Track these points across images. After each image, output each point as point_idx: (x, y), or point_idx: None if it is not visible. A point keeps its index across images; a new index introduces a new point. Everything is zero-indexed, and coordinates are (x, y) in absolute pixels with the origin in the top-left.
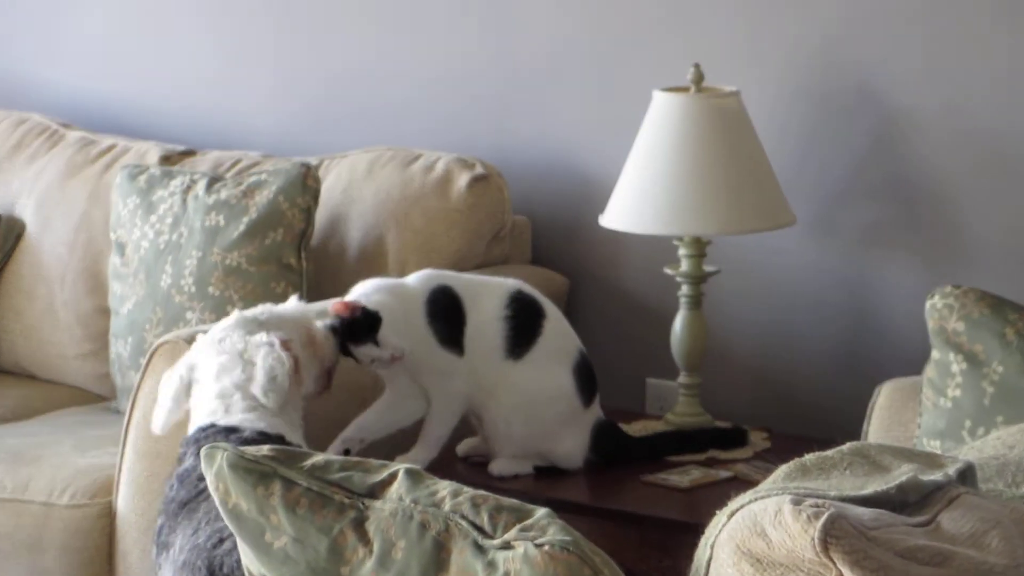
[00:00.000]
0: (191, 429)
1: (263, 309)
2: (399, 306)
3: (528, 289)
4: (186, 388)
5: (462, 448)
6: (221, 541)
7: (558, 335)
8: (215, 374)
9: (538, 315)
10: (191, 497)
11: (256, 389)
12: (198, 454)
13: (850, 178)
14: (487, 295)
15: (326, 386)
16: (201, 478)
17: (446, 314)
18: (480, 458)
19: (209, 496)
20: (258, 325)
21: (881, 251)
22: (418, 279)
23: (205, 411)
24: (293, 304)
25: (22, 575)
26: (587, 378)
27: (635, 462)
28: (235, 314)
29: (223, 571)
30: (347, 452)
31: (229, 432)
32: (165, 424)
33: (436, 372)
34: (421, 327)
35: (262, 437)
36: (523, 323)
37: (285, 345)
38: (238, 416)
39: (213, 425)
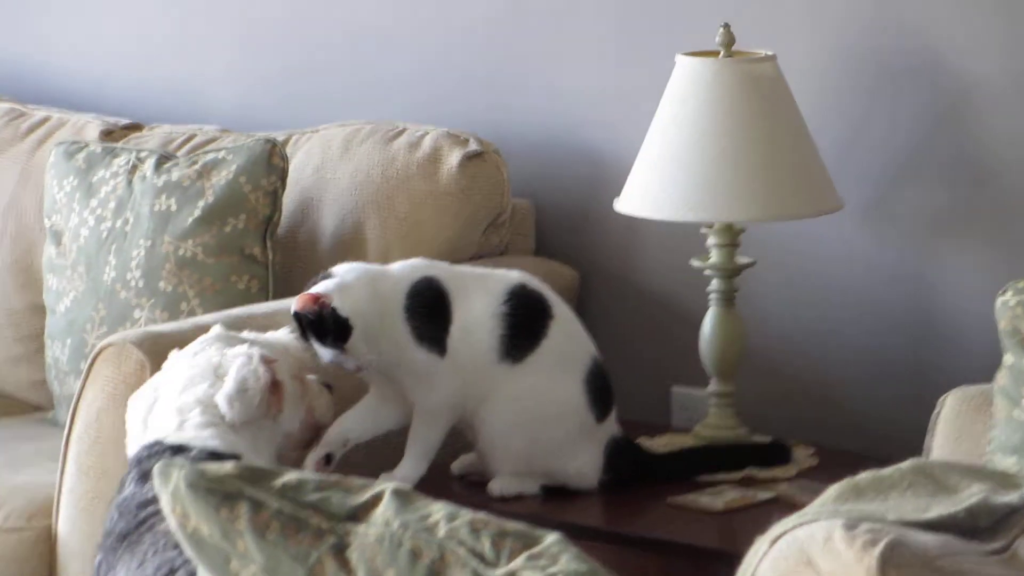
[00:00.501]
0: (134, 448)
1: (251, 333)
2: (375, 299)
3: (534, 284)
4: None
5: (458, 466)
6: (172, 572)
7: (567, 338)
8: (180, 387)
9: (543, 314)
10: (131, 528)
11: (220, 397)
12: (140, 479)
13: (909, 157)
14: (481, 289)
15: (311, 438)
16: (142, 506)
17: (428, 309)
18: (479, 476)
19: (154, 525)
20: (240, 342)
21: (945, 241)
22: (402, 268)
23: (155, 428)
24: (288, 336)
25: None
26: (601, 389)
27: (659, 483)
28: (217, 327)
29: None
30: (329, 458)
31: (176, 451)
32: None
33: (414, 374)
34: (398, 322)
35: (212, 457)
36: (523, 322)
37: (267, 361)
38: (190, 433)
39: (159, 443)
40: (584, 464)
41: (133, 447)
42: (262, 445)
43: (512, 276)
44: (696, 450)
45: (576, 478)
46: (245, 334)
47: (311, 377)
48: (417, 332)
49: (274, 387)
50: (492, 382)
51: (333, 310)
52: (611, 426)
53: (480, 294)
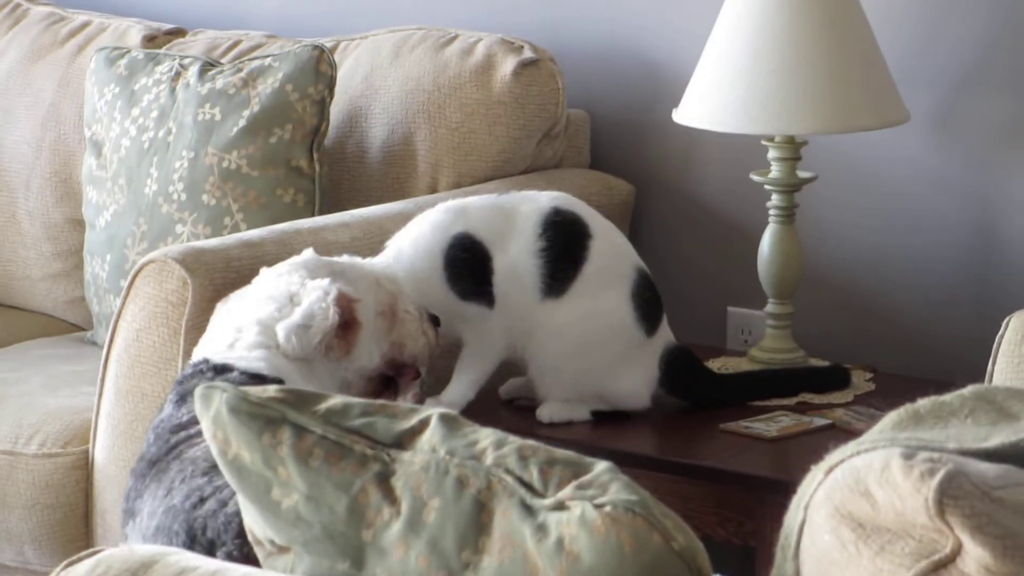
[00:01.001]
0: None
1: (347, 258)
2: (414, 271)
3: (568, 204)
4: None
5: (506, 389)
6: (202, 500)
7: (608, 256)
8: (251, 306)
9: (581, 236)
10: (161, 454)
11: (281, 326)
12: (178, 400)
13: (980, 64)
14: (517, 227)
15: (395, 374)
16: (174, 430)
17: (467, 268)
18: (527, 401)
19: (182, 452)
20: (328, 272)
21: (1015, 155)
22: (433, 228)
23: (212, 341)
24: (383, 265)
25: None
26: (649, 302)
27: (714, 401)
28: (309, 251)
29: (206, 535)
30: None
31: (219, 371)
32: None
33: (464, 320)
34: (440, 286)
35: (254, 380)
36: (562, 252)
37: (344, 300)
38: (238, 352)
39: (205, 361)
40: (635, 382)
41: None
42: (320, 376)
43: (543, 201)
44: (753, 375)
45: (627, 398)
46: (342, 259)
47: (412, 310)
48: (461, 291)
49: (346, 327)
50: (539, 318)
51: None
52: (664, 338)
53: (516, 235)
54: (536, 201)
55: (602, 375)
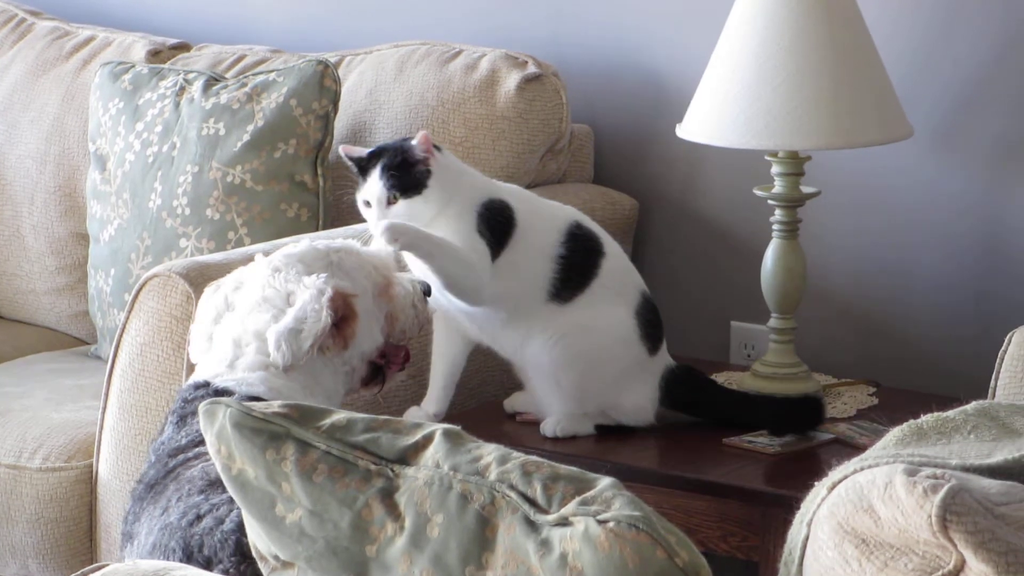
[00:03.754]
0: (187, 382)
1: (342, 243)
2: (457, 187)
3: (587, 221)
4: (230, 309)
5: (510, 403)
6: (199, 518)
7: (618, 275)
8: (249, 309)
9: (596, 253)
10: (159, 477)
11: (270, 332)
12: (178, 422)
13: (984, 80)
14: (541, 226)
15: (400, 359)
16: (173, 453)
17: (496, 224)
18: (530, 416)
19: (180, 474)
20: (325, 263)
21: (1018, 170)
22: (485, 180)
23: (214, 358)
24: (380, 247)
25: None
26: (651, 322)
27: (718, 411)
28: (305, 241)
29: (202, 552)
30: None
31: (220, 395)
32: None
33: (458, 237)
34: (467, 214)
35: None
36: (577, 264)
37: (337, 299)
38: (238, 374)
39: (207, 384)
40: (640, 398)
41: (198, 348)
42: (323, 379)
43: (569, 213)
44: (747, 398)
45: (632, 413)
46: (337, 245)
47: (406, 277)
48: (478, 226)
49: (344, 322)
50: (536, 321)
51: (427, 160)
52: (664, 360)
53: (538, 232)
54: (562, 210)
55: (606, 388)
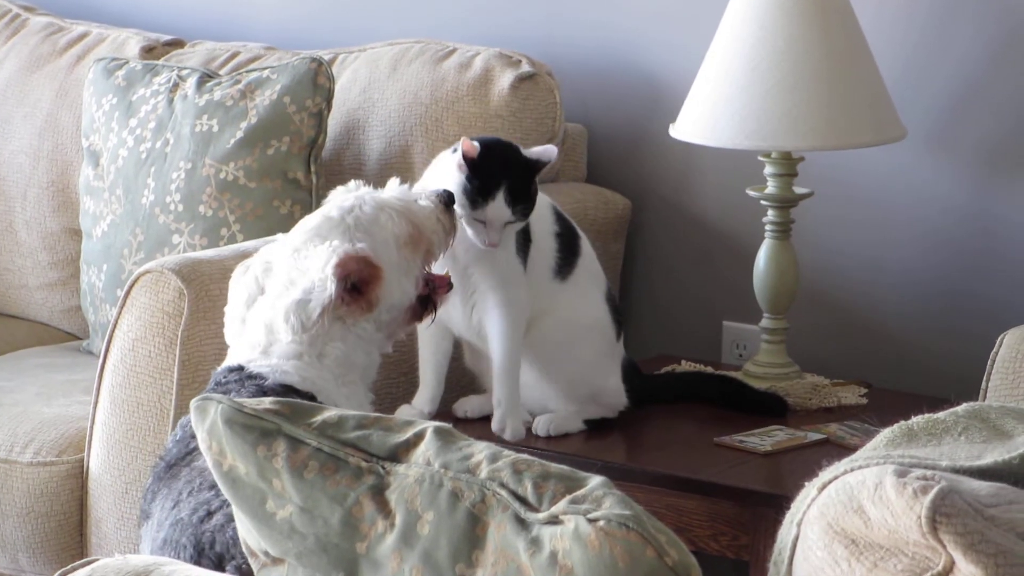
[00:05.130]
0: (220, 366)
1: (356, 198)
2: None
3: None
4: (262, 292)
5: (460, 407)
6: (210, 514)
7: (591, 256)
8: (278, 293)
9: (576, 234)
10: (178, 458)
11: (280, 307)
12: None
13: (977, 81)
14: (538, 212)
15: (445, 282)
16: (195, 435)
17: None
18: (479, 416)
19: (194, 459)
20: (342, 230)
21: (1009, 173)
22: None
23: (247, 343)
24: (395, 189)
25: None
26: (615, 308)
27: (662, 402)
28: (324, 207)
29: (214, 549)
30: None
31: (253, 380)
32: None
33: (498, 275)
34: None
35: (286, 391)
36: (569, 241)
37: (348, 263)
38: (273, 360)
39: (241, 368)
40: (617, 380)
41: (232, 330)
42: (357, 361)
43: (545, 197)
44: (687, 377)
45: (613, 395)
46: (356, 202)
47: (425, 202)
48: (518, 241)
49: (365, 284)
50: (546, 298)
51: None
52: (622, 346)
53: (540, 218)
54: (542, 195)
55: (592, 371)
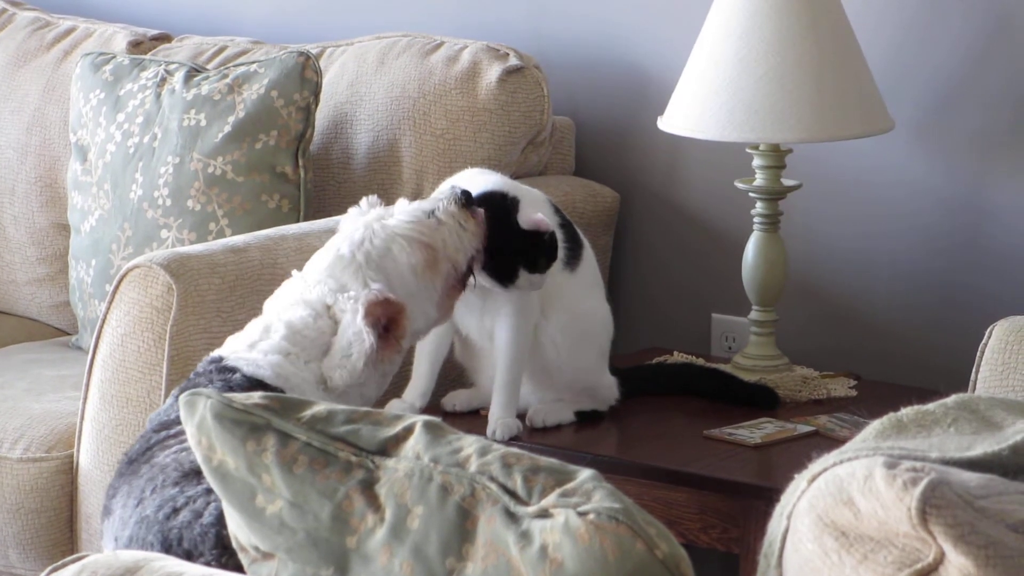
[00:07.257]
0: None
1: (364, 231)
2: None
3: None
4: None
5: (449, 401)
6: (175, 511)
7: (591, 251)
8: (285, 307)
9: (574, 225)
10: (139, 453)
11: (325, 368)
12: (179, 393)
13: (965, 73)
14: (537, 205)
15: (459, 289)
16: (158, 428)
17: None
18: (468, 410)
19: (154, 455)
20: (354, 269)
21: (998, 165)
22: (496, 184)
23: (239, 339)
24: (410, 211)
25: None
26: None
27: (650, 394)
28: (336, 239)
29: (182, 546)
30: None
31: (225, 371)
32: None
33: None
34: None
35: (254, 385)
36: (572, 232)
37: (374, 309)
38: (255, 354)
39: (220, 360)
40: (610, 377)
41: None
42: (369, 392)
43: (538, 191)
44: (676, 369)
45: (609, 390)
46: (358, 234)
47: (442, 217)
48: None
49: (391, 323)
50: (554, 290)
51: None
52: None
53: (539, 209)
54: (536, 191)
55: (594, 365)
